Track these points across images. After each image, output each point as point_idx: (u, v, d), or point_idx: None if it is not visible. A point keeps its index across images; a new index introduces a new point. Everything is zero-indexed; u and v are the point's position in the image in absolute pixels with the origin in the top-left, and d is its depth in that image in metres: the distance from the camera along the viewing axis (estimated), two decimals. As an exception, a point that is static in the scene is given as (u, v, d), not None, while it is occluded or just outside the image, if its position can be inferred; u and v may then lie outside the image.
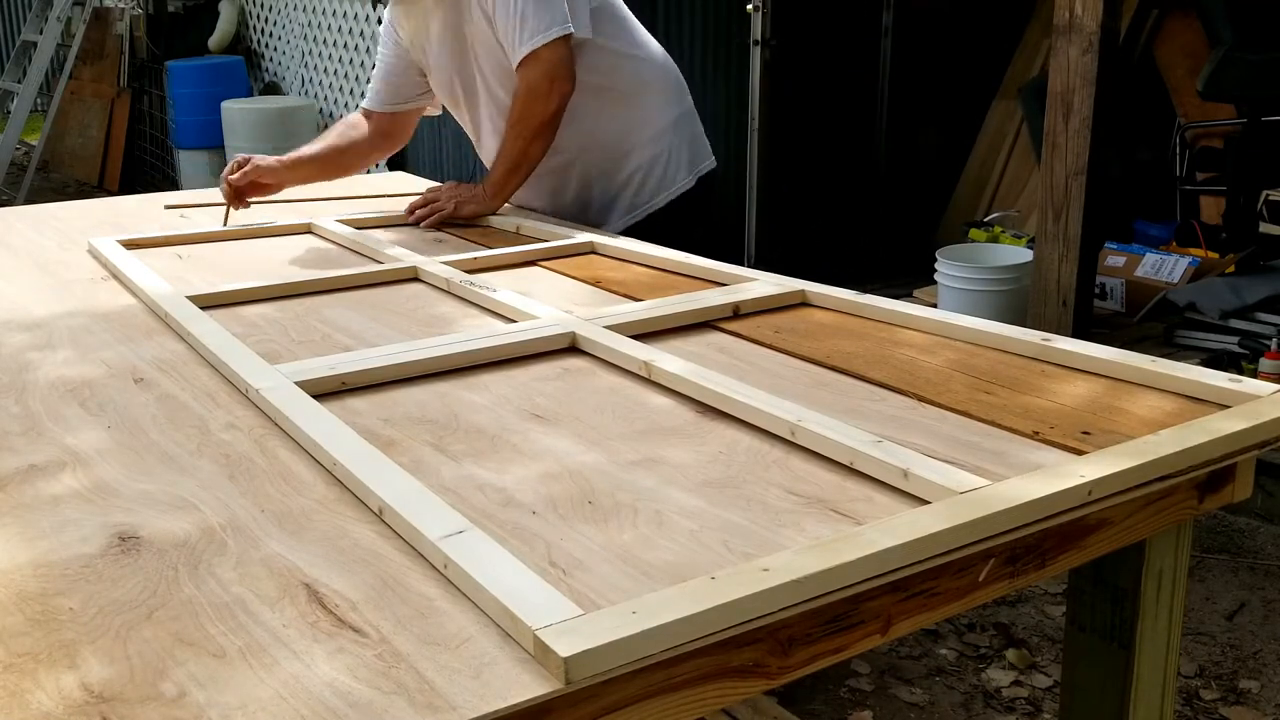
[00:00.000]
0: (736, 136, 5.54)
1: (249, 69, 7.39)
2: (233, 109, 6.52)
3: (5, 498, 1.19)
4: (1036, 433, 1.31)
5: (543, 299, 1.85)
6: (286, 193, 2.62)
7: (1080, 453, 1.25)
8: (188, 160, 7.07)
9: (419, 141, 5.89)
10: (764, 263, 4.74)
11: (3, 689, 0.86)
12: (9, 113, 8.05)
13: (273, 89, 7.25)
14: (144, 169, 8.09)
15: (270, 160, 2.52)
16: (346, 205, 2.68)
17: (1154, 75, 5.42)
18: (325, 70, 6.59)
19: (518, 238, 2.35)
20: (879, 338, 1.68)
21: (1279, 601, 3.03)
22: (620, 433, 1.35)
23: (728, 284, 1.91)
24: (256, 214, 2.55)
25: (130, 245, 2.26)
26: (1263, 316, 4.15)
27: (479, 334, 1.67)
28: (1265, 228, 4.48)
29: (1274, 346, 3.91)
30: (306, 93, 6.85)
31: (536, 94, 2.30)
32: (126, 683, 0.87)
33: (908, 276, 5.11)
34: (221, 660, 0.90)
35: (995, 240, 5.06)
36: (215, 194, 2.56)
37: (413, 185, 2.97)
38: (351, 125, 2.65)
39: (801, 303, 1.85)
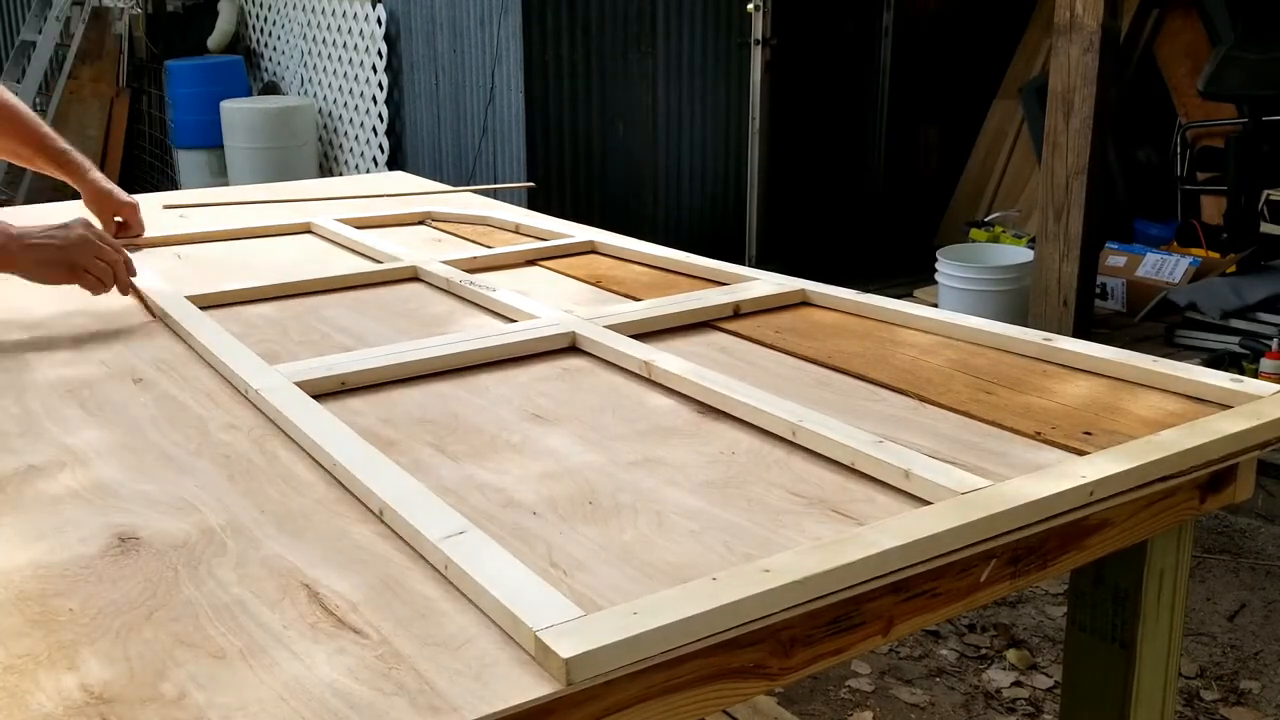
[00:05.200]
0: (736, 136, 5.54)
1: (248, 68, 7.38)
2: (232, 108, 6.51)
3: (4, 498, 1.19)
4: (1038, 433, 1.31)
5: (543, 299, 1.85)
6: (286, 192, 2.61)
7: (1082, 453, 1.24)
8: (187, 160, 7.06)
9: (418, 140, 5.88)
10: (764, 262, 4.74)
11: (2, 690, 0.86)
12: (8, 112, 8.00)
13: (272, 89, 7.24)
14: (143, 169, 8.08)
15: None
16: (346, 205, 2.67)
17: (1155, 75, 5.43)
18: (325, 70, 6.59)
19: (517, 237, 2.35)
20: (880, 338, 1.67)
21: (1280, 602, 3.03)
22: (620, 433, 1.35)
23: (728, 284, 1.90)
24: (256, 214, 2.54)
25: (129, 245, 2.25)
26: (1263, 316, 4.16)
27: (479, 334, 1.66)
28: (1266, 227, 4.49)
29: (1275, 346, 3.91)
30: (306, 92, 6.84)
31: None
32: (126, 684, 0.87)
33: (908, 276, 5.12)
34: (221, 661, 0.89)
35: (996, 240, 5.07)
36: (215, 194, 2.55)
37: (413, 185, 2.96)
38: None
39: (802, 302, 1.85)
